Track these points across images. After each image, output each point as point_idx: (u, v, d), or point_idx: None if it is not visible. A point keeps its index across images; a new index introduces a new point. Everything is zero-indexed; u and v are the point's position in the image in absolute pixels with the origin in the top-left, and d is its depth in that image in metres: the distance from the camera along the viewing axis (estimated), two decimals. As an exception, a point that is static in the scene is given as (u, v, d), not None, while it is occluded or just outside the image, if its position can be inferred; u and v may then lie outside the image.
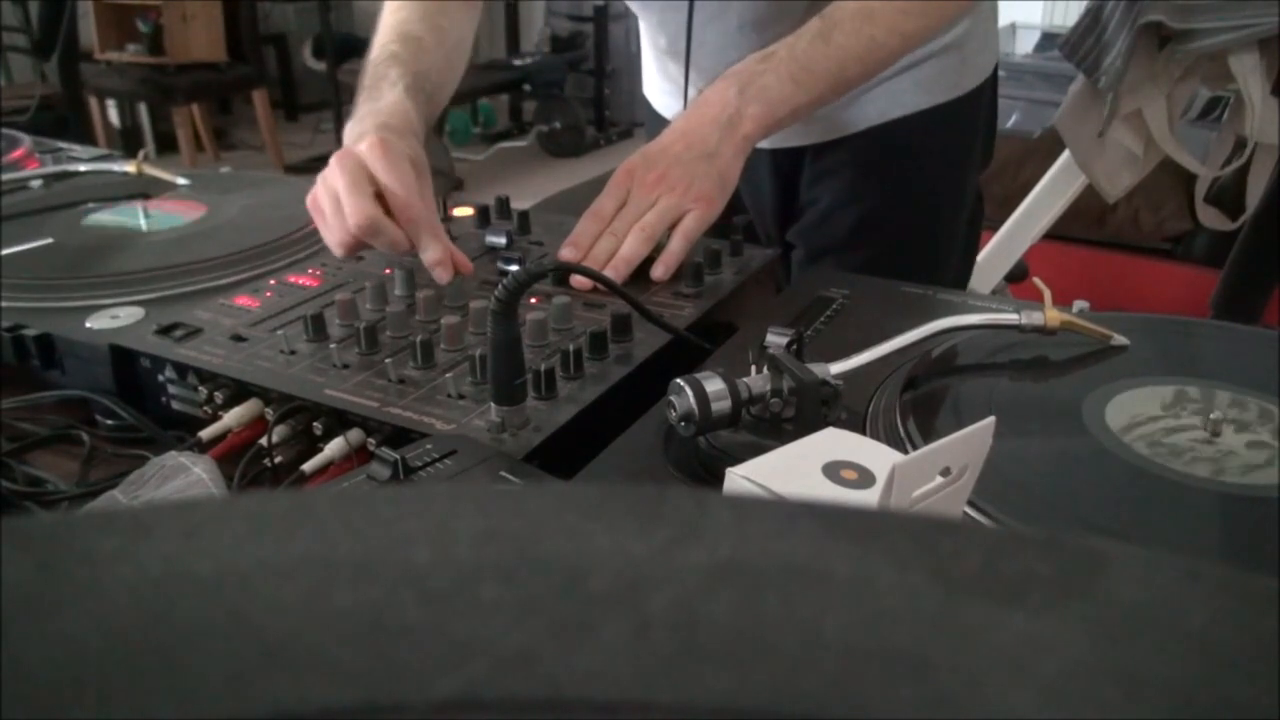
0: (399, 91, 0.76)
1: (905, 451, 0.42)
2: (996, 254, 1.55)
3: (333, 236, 0.68)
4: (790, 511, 0.16)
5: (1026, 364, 0.55)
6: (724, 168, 0.73)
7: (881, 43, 0.76)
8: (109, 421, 0.62)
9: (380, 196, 0.67)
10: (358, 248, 0.68)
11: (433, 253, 0.67)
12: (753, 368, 0.49)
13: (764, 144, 0.80)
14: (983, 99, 0.95)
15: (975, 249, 1.07)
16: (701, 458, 0.47)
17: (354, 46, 4.04)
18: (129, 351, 0.63)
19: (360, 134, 0.70)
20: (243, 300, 0.69)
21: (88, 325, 0.65)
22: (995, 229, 1.56)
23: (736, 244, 0.76)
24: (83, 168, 1.03)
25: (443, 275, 0.68)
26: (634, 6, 0.94)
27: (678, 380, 0.46)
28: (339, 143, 0.73)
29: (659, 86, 1.04)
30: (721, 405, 0.45)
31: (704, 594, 0.13)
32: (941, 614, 0.13)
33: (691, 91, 0.91)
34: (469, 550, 0.14)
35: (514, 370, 0.52)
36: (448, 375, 0.57)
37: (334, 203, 0.67)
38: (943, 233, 0.97)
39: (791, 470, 0.38)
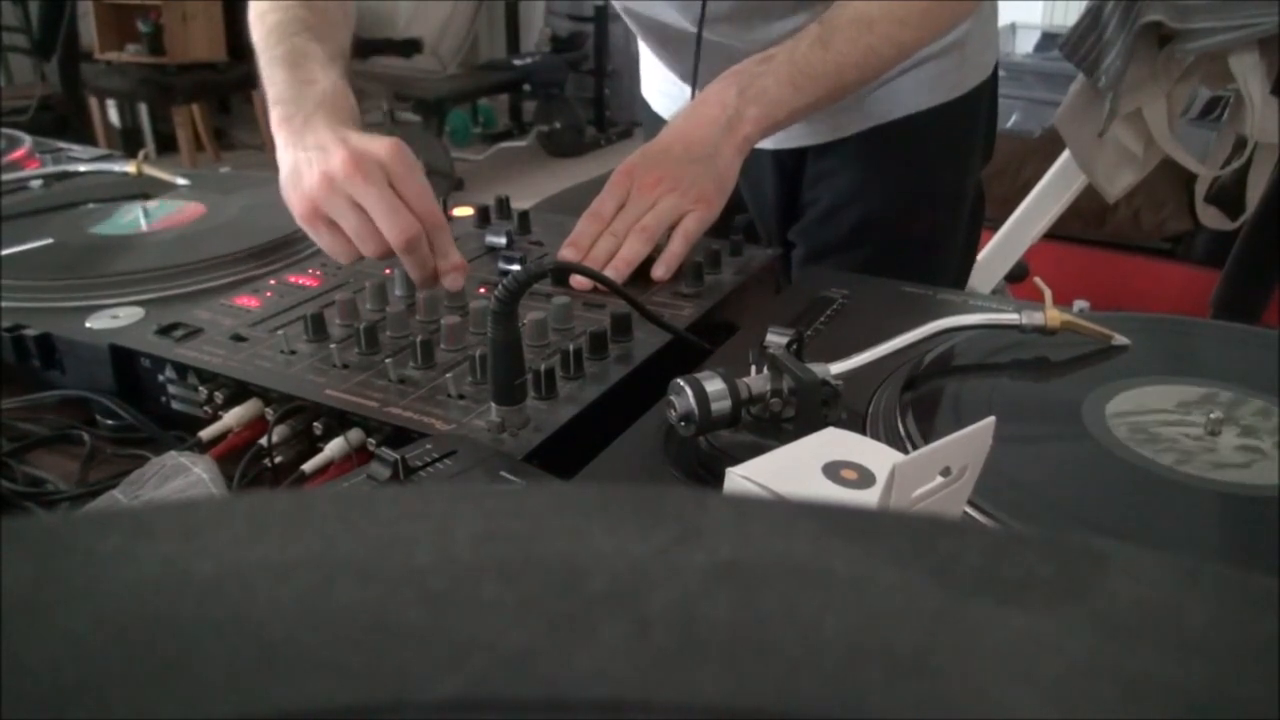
0: (335, 77, 0.71)
1: (905, 451, 0.42)
2: (996, 254, 1.55)
3: (350, 249, 0.65)
4: (790, 511, 0.16)
5: (1026, 364, 0.55)
6: (723, 168, 0.74)
7: (879, 51, 0.76)
8: (109, 421, 0.62)
9: None
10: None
11: (451, 259, 0.66)
12: (753, 368, 0.49)
13: (766, 144, 0.80)
14: (984, 97, 0.95)
15: (975, 247, 1.07)
16: (701, 458, 0.47)
17: (354, 47, 4.03)
18: (129, 351, 0.63)
19: (308, 119, 0.66)
20: (243, 300, 0.69)
21: (88, 325, 0.65)
22: (995, 229, 1.56)
23: (736, 244, 0.76)
24: (83, 168, 1.03)
25: (456, 281, 0.66)
26: (623, 7, 0.94)
27: (678, 380, 0.46)
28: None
29: (659, 88, 1.04)
30: (721, 405, 0.45)
31: (704, 594, 0.13)
32: (941, 614, 0.13)
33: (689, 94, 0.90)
34: (469, 550, 0.14)
35: (514, 370, 0.52)
36: (448, 375, 0.57)
37: (356, 213, 0.63)
38: (944, 231, 0.97)
39: (791, 470, 0.38)
